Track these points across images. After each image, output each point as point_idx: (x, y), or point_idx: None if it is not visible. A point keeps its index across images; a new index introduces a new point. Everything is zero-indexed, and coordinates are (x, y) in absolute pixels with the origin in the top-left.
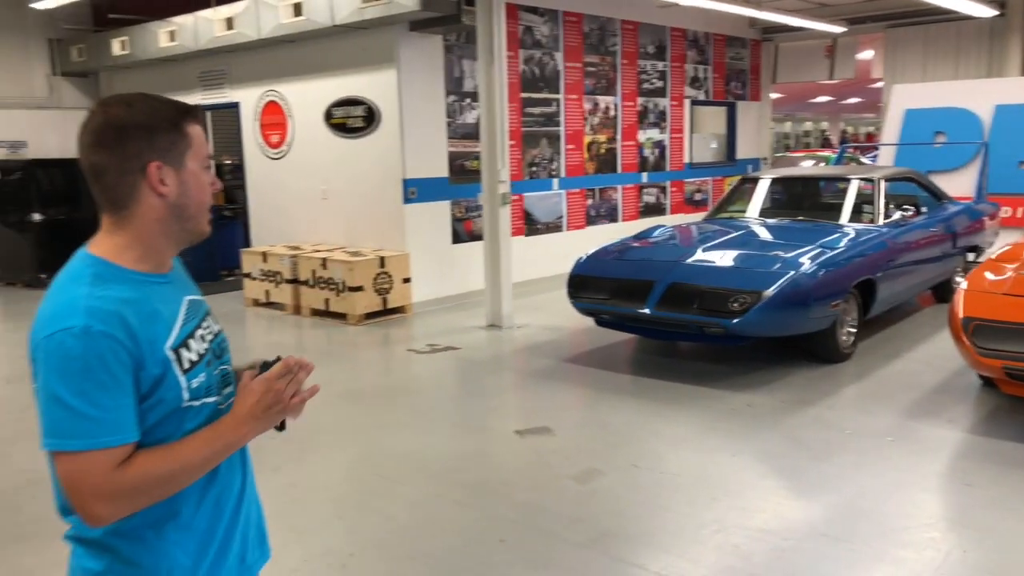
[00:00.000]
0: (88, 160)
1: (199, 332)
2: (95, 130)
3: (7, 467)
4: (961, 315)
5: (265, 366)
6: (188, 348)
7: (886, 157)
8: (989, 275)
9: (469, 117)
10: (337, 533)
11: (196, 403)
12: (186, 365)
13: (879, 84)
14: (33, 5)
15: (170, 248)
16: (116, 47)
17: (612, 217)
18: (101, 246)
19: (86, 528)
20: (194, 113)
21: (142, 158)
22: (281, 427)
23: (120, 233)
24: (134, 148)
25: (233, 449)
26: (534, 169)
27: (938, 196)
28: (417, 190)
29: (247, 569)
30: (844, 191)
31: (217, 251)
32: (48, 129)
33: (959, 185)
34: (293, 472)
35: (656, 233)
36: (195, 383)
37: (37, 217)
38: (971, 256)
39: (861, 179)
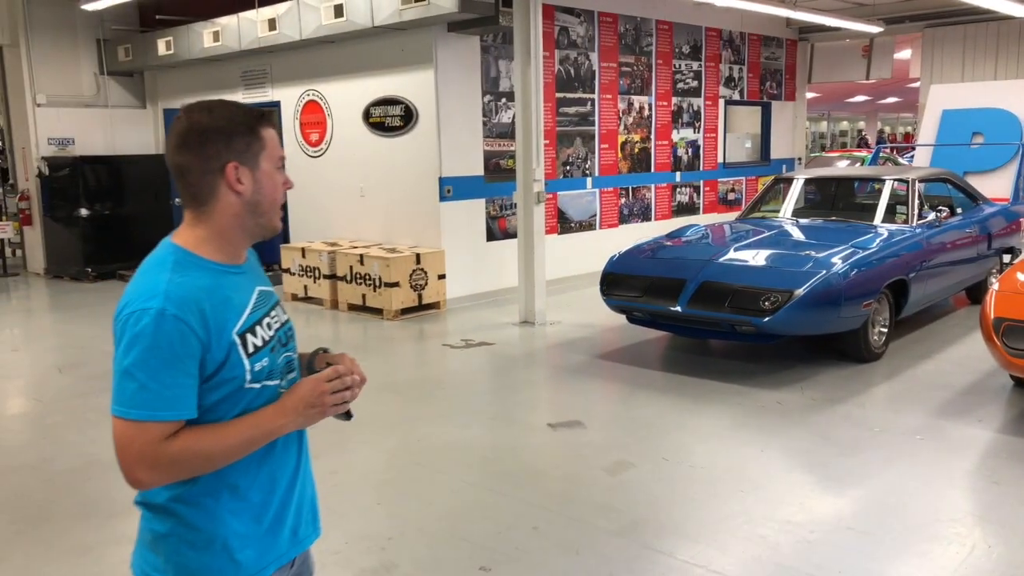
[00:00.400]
0: (173, 160)
1: (266, 320)
2: (180, 133)
3: (65, 451)
4: (992, 316)
5: (315, 355)
6: (254, 334)
7: (922, 158)
8: (1021, 276)
9: (504, 116)
10: (377, 518)
11: (257, 385)
12: (251, 349)
13: (917, 84)
14: (83, 6)
15: (244, 241)
16: (161, 47)
17: (645, 216)
18: (183, 237)
19: (151, 494)
20: (268, 118)
21: (221, 159)
22: (347, 417)
23: (200, 226)
24: (214, 150)
25: (273, 436)
26: (568, 168)
27: (974, 197)
28: (453, 188)
29: (299, 543)
30: (878, 192)
31: (257, 247)
32: (95, 127)
33: (996, 186)
34: (334, 459)
35: (689, 232)
36: (258, 367)
37: (84, 212)
38: (1007, 258)
39: (895, 180)
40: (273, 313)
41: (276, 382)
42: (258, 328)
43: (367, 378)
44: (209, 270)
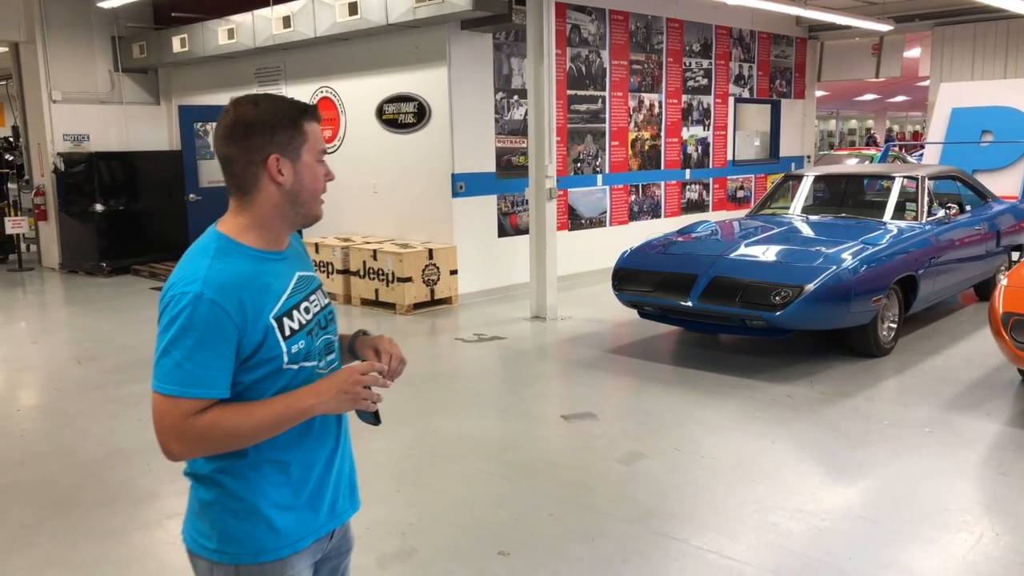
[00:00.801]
0: (220, 151)
1: (304, 304)
2: (227, 125)
3: (88, 440)
4: (1001, 311)
5: (355, 337)
6: (291, 318)
7: (932, 156)
8: None
9: (516, 114)
10: (396, 505)
11: (295, 366)
12: (287, 332)
13: (926, 82)
14: (98, 4)
15: (285, 229)
16: (176, 44)
17: (655, 213)
18: (227, 224)
19: (198, 465)
20: (312, 113)
21: (264, 151)
22: (376, 421)
23: (243, 214)
24: (258, 142)
25: (304, 416)
26: (579, 165)
27: (983, 195)
28: (465, 184)
29: (336, 516)
30: (888, 189)
31: None
32: (109, 123)
33: (1005, 184)
34: (354, 449)
35: (699, 228)
36: (295, 348)
37: (98, 208)
38: (1015, 255)
39: (905, 177)
40: (313, 297)
41: (314, 363)
42: (295, 312)
43: (407, 360)
44: (250, 257)
